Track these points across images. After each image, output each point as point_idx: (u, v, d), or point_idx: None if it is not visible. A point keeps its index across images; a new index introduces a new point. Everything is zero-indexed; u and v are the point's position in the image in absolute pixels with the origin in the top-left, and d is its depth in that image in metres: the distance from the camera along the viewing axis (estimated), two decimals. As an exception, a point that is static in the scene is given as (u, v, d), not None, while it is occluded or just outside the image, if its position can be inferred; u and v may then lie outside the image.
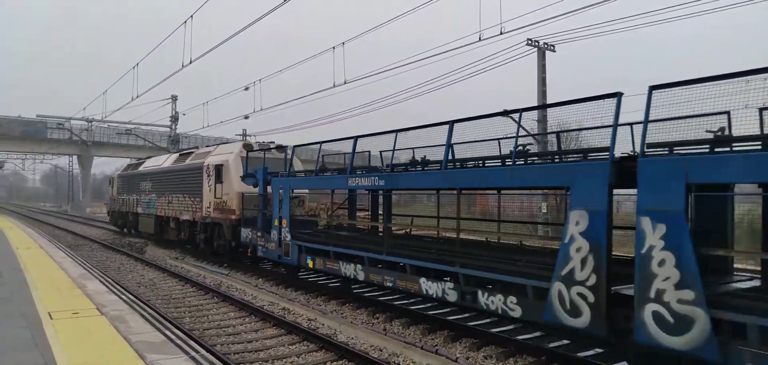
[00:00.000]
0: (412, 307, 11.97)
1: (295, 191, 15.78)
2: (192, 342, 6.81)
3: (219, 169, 19.87)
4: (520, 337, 9.64)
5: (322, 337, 9.69)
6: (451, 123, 10.05)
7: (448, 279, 10.13)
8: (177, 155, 26.74)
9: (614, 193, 7.43)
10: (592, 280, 7.27)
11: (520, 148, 9.16)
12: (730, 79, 6.40)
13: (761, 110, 6.74)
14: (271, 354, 9.17)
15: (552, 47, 29.82)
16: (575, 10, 16.50)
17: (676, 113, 6.90)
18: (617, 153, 7.43)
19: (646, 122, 6.85)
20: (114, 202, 34.62)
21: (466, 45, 17.46)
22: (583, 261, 7.38)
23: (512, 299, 8.71)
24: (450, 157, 10.44)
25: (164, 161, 27.07)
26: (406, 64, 20.26)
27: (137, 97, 27.59)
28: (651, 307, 6.54)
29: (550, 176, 8.39)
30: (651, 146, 6.95)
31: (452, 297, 9.91)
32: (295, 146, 16.17)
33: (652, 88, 6.91)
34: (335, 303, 13.01)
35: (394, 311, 11.78)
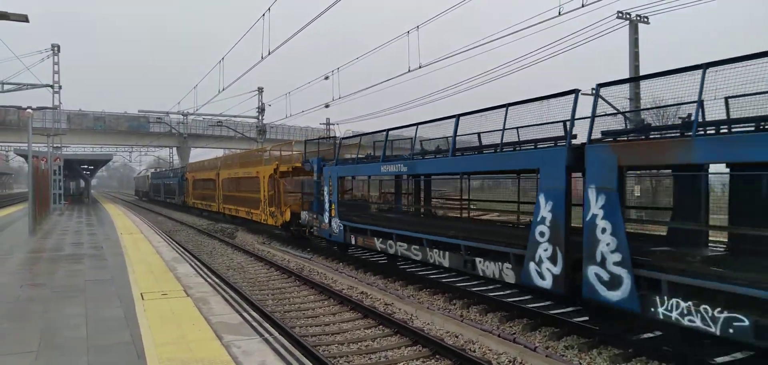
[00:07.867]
0: (491, 294, 11.68)
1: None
2: (266, 324, 7.02)
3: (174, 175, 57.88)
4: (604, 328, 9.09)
5: (396, 322, 9.68)
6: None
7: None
8: (153, 171, 69.90)
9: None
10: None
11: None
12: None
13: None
14: (346, 337, 9.30)
15: (646, 19, 27.81)
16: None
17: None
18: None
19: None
20: (137, 188, 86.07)
21: (544, 21, 16.57)
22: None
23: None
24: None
25: (146, 172, 79.32)
26: (480, 45, 19.62)
27: (223, 90, 29.03)
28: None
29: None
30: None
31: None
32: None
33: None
34: (412, 288, 12.98)
35: (472, 297, 11.55)
